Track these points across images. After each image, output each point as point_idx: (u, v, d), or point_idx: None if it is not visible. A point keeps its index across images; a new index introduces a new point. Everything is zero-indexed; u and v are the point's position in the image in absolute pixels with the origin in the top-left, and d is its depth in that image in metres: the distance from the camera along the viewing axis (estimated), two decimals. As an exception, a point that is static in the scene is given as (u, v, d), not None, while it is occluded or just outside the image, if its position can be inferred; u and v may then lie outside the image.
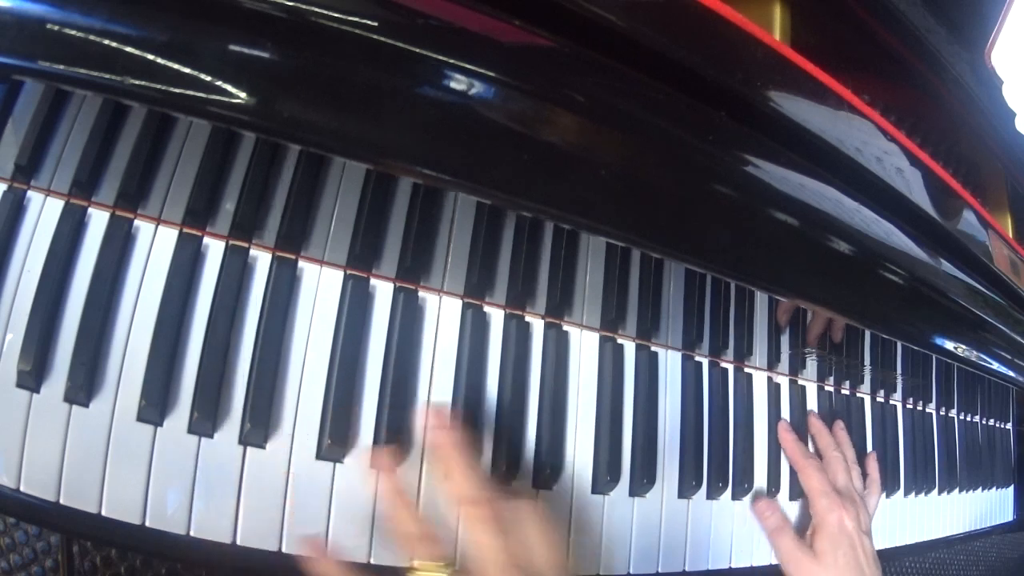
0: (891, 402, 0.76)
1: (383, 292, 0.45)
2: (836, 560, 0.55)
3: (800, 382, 0.65)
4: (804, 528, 0.60)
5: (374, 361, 0.43)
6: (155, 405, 0.37)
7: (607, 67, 0.36)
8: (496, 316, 0.48)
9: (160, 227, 0.40)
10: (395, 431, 0.43)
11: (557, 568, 0.39)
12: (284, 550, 0.39)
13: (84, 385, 0.36)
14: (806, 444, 0.63)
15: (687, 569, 0.53)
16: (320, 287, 0.43)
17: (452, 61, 0.32)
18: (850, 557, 0.56)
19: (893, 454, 0.74)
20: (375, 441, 0.42)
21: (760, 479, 0.59)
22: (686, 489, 0.54)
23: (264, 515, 0.39)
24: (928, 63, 0.51)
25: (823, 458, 0.62)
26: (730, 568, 0.56)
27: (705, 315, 0.58)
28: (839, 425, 0.66)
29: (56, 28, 0.27)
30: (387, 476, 0.40)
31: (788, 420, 0.62)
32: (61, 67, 0.28)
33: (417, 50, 0.31)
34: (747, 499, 0.58)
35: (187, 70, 0.28)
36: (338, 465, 0.41)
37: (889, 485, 0.72)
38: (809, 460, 0.60)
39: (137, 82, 0.28)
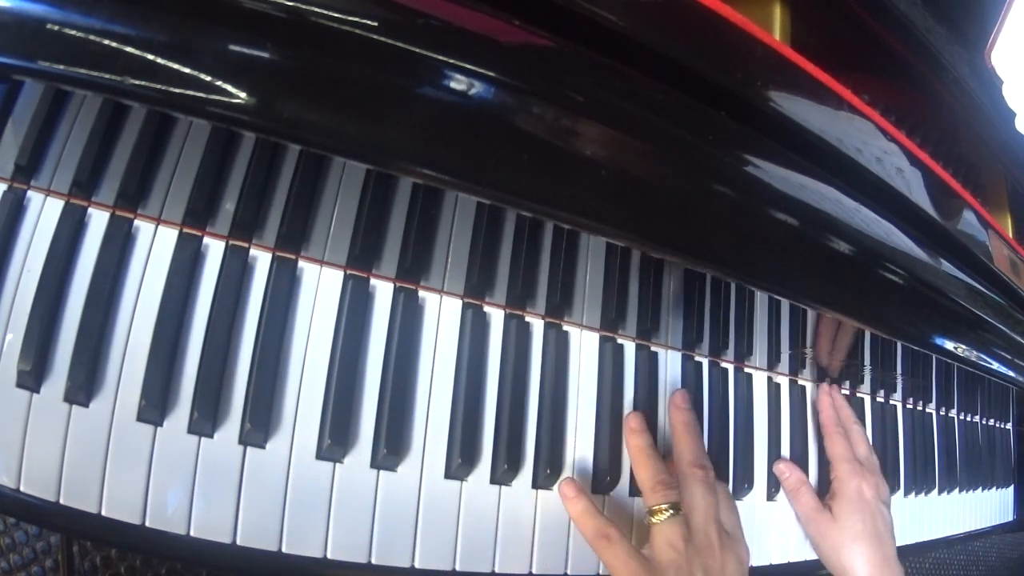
0: (891, 402, 0.76)
1: (383, 292, 0.45)
2: (854, 524, 0.57)
3: (800, 382, 0.65)
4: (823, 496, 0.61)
5: (374, 361, 0.43)
6: (155, 405, 0.37)
7: (607, 67, 0.36)
8: (496, 316, 0.48)
9: (160, 227, 0.40)
10: (396, 430, 0.43)
11: (737, 531, 0.49)
12: (284, 550, 0.39)
13: (84, 385, 0.36)
14: (806, 455, 0.63)
15: (687, 569, 0.53)
16: (320, 287, 0.43)
17: (452, 61, 0.32)
18: (868, 523, 0.57)
19: (893, 454, 0.74)
20: (375, 441, 0.42)
21: (760, 479, 0.59)
22: (686, 489, 0.54)
23: (264, 515, 0.39)
24: (928, 63, 0.50)
25: (847, 429, 0.64)
26: (730, 568, 0.56)
27: (705, 315, 0.58)
28: (833, 389, 0.67)
29: (56, 28, 0.27)
30: (642, 434, 0.50)
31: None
32: (61, 67, 0.28)
33: (417, 50, 0.31)
34: (747, 499, 0.58)
35: (187, 70, 0.28)
36: (338, 465, 0.41)
37: (889, 485, 0.72)
38: (838, 428, 0.63)
39: (137, 82, 0.28)
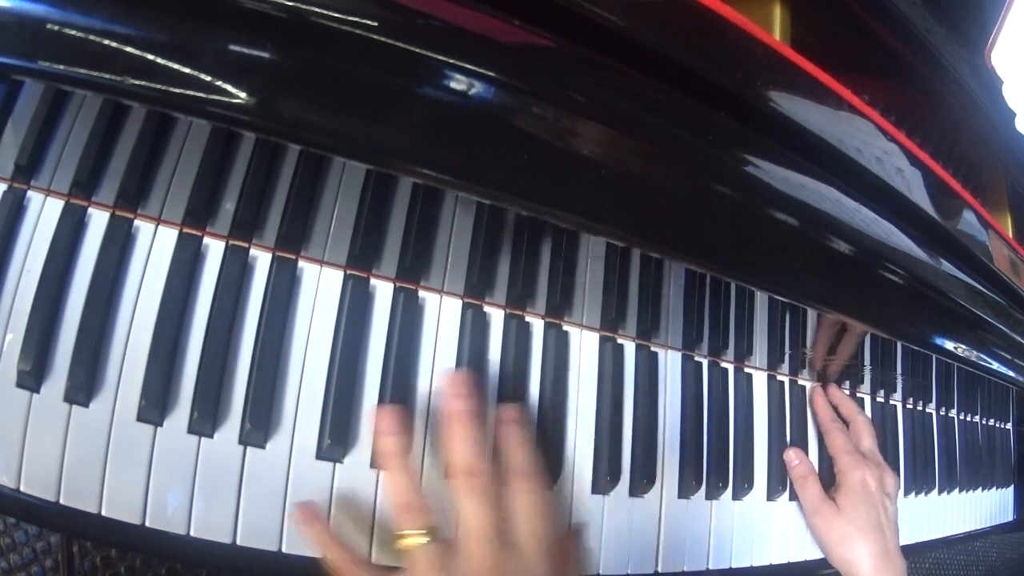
0: (891, 402, 0.76)
1: (383, 292, 0.45)
2: (858, 515, 0.56)
3: (800, 382, 0.65)
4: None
5: (374, 361, 0.43)
6: (155, 405, 0.37)
7: (607, 67, 0.36)
8: (496, 316, 0.48)
9: (160, 227, 0.40)
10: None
11: (541, 550, 0.39)
12: (284, 550, 0.39)
13: (84, 385, 0.36)
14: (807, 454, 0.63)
15: (686, 569, 0.53)
16: (320, 287, 0.43)
17: (452, 61, 0.32)
18: (872, 516, 0.56)
19: (893, 454, 0.74)
20: (375, 441, 0.42)
21: (760, 479, 0.59)
22: (686, 489, 0.54)
23: (264, 515, 0.39)
24: (928, 63, 0.51)
25: (849, 423, 0.63)
26: (730, 568, 0.56)
27: (705, 315, 0.58)
28: (831, 387, 0.67)
29: (56, 28, 0.27)
30: (395, 439, 0.39)
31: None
32: (61, 67, 0.28)
33: (417, 50, 0.31)
34: (747, 499, 0.58)
35: (187, 70, 0.28)
36: (338, 465, 0.41)
37: (889, 485, 0.72)
38: (835, 423, 0.62)
39: (137, 82, 0.28)
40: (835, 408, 0.65)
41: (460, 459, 0.39)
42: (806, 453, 0.63)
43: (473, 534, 0.37)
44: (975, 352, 0.60)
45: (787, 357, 0.64)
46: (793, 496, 0.61)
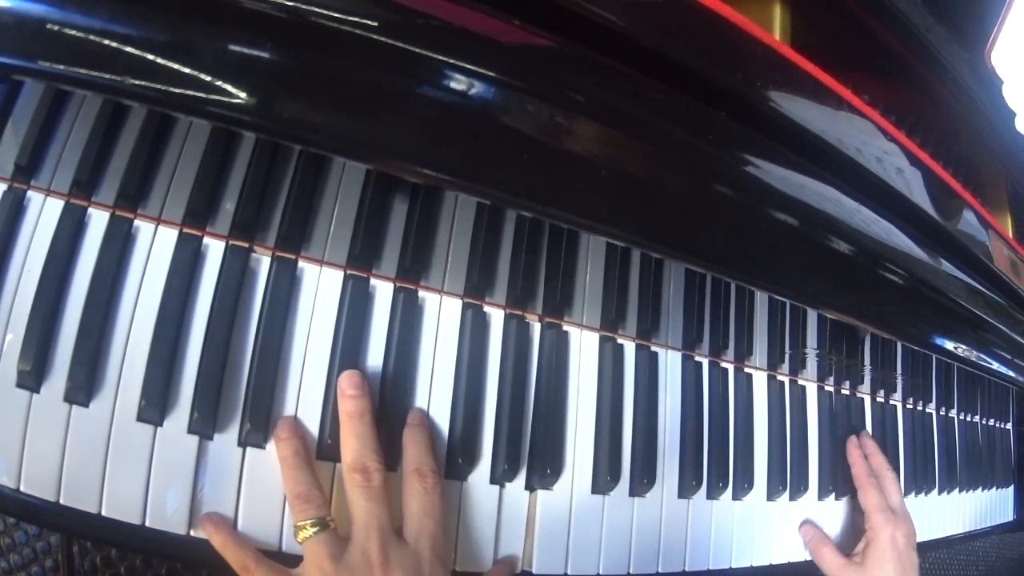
0: (891, 402, 0.76)
1: (383, 292, 0.45)
2: (885, 572, 0.59)
3: (800, 382, 0.65)
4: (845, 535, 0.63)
5: (374, 361, 0.43)
6: (155, 405, 0.37)
7: (607, 67, 0.36)
8: (496, 316, 0.48)
9: (160, 227, 0.40)
10: (396, 430, 0.43)
11: (429, 546, 0.40)
12: (284, 550, 0.39)
13: (84, 385, 0.36)
14: (806, 455, 0.63)
15: (687, 569, 0.53)
16: (320, 287, 0.43)
17: (452, 61, 0.32)
18: (899, 571, 0.59)
19: (893, 454, 0.74)
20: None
21: (760, 479, 0.59)
22: (686, 489, 0.54)
23: (264, 515, 0.39)
24: (928, 63, 0.51)
25: (879, 477, 0.65)
26: (730, 568, 0.56)
27: (705, 315, 0.58)
28: (866, 435, 0.69)
29: (56, 28, 0.27)
30: (288, 442, 0.40)
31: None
32: (61, 67, 0.28)
33: (417, 50, 0.31)
34: (747, 499, 0.58)
35: (187, 70, 0.28)
36: (338, 465, 0.41)
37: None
38: (871, 479, 0.64)
39: (137, 82, 0.28)
40: (867, 457, 0.67)
41: (351, 456, 0.40)
42: (806, 456, 0.63)
43: (361, 528, 0.39)
44: (975, 352, 0.60)
45: (787, 357, 0.64)
46: (793, 496, 0.62)
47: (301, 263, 0.43)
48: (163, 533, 0.37)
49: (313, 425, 0.41)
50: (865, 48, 0.49)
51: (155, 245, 0.40)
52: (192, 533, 0.37)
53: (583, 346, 0.51)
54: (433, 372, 0.45)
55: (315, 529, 0.38)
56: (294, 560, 0.39)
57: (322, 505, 0.39)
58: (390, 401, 0.43)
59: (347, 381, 0.41)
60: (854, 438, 0.67)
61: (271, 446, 0.40)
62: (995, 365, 0.64)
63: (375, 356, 0.44)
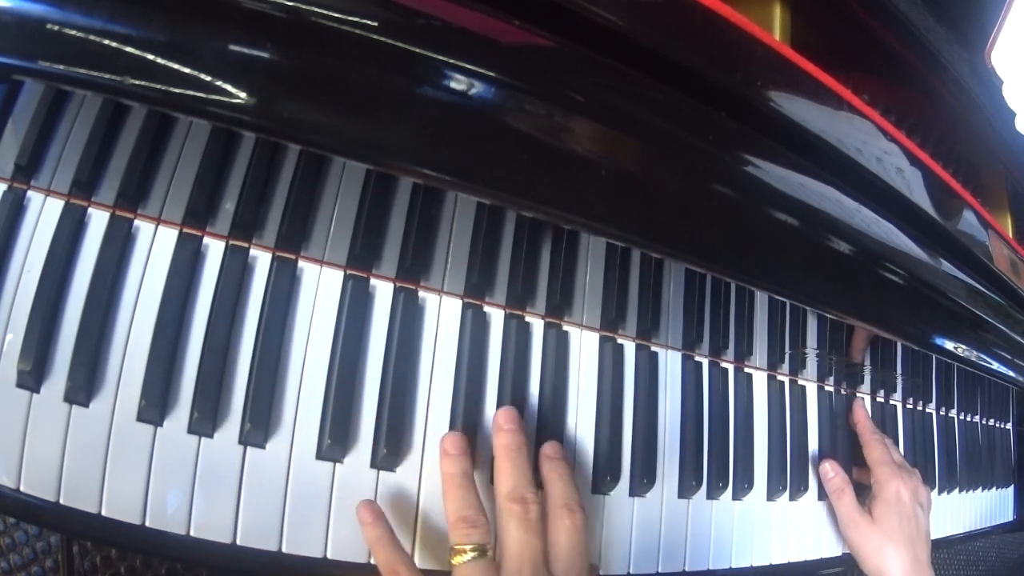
0: (891, 402, 0.76)
1: (383, 292, 0.45)
2: (891, 525, 0.58)
3: (800, 382, 0.65)
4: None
5: (374, 361, 0.43)
6: (155, 405, 0.37)
7: (607, 67, 0.36)
8: (496, 316, 0.48)
9: (160, 227, 0.40)
10: (396, 430, 0.43)
11: (577, 573, 0.41)
12: (284, 550, 0.39)
13: (84, 385, 0.36)
14: (807, 453, 0.63)
15: (687, 569, 0.53)
16: (320, 287, 0.43)
17: (452, 61, 0.32)
18: (905, 527, 0.58)
19: (893, 454, 0.74)
20: (375, 441, 0.42)
21: (760, 479, 0.59)
22: (686, 489, 0.54)
23: (264, 515, 0.39)
24: (928, 63, 0.50)
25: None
26: (730, 568, 0.56)
27: (705, 315, 0.58)
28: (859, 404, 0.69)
29: (56, 28, 0.27)
30: (457, 459, 0.41)
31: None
32: (61, 67, 0.28)
33: (417, 50, 0.31)
34: (747, 499, 0.58)
35: (187, 70, 0.28)
36: (338, 465, 0.41)
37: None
38: (875, 434, 0.64)
39: (137, 82, 0.28)
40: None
41: (509, 488, 0.41)
42: (806, 455, 0.63)
43: (515, 558, 0.39)
44: (975, 352, 0.60)
45: (787, 357, 0.64)
46: (793, 496, 0.62)
47: (301, 263, 0.43)
48: (163, 533, 0.37)
49: (313, 426, 0.41)
50: (865, 48, 0.49)
51: (155, 245, 0.40)
52: (192, 533, 0.37)
53: (583, 346, 0.51)
54: (433, 372, 0.45)
55: (474, 554, 0.39)
56: (295, 560, 0.39)
57: (486, 532, 0.40)
58: (390, 401, 0.43)
59: (504, 416, 0.43)
60: (859, 398, 0.67)
61: (271, 445, 0.40)
62: (995, 365, 0.64)
63: (375, 356, 0.44)
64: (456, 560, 0.39)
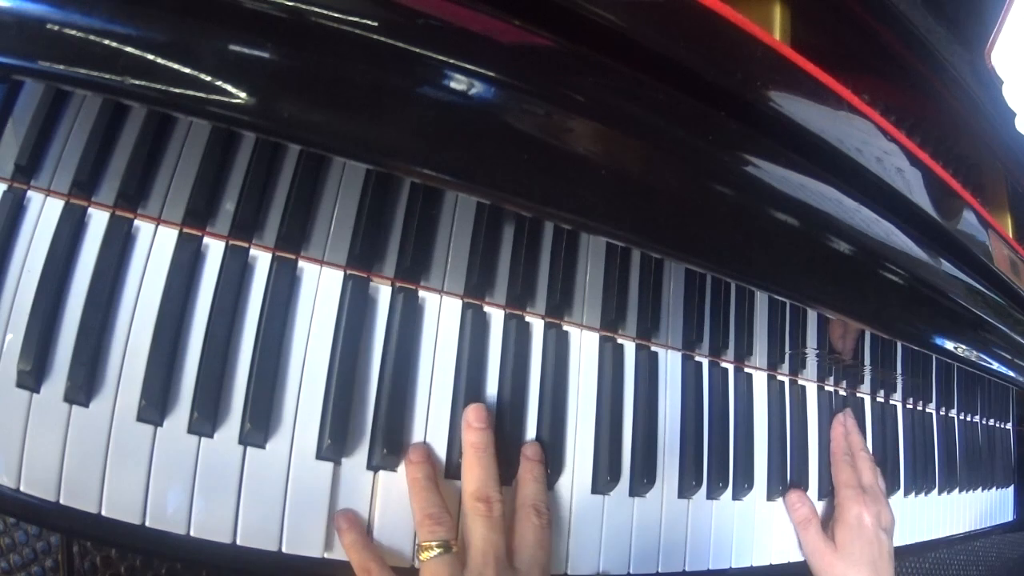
0: (891, 402, 0.76)
1: (383, 292, 0.45)
2: (853, 551, 0.58)
3: (800, 382, 0.65)
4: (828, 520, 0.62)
5: (374, 361, 0.43)
6: (155, 405, 0.37)
7: (607, 67, 0.36)
8: (496, 316, 0.48)
9: (160, 227, 0.40)
10: (395, 430, 0.43)
11: (540, 568, 0.43)
12: (284, 550, 0.39)
13: (84, 385, 0.36)
14: (807, 453, 0.63)
15: (687, 569, 0.53)
16: (320, 287, 0.43)
17: (452, 61, 0.32)
18: (866, 551, 0.58)
19: (893, 454, 0.74)
20: (374, 441, 0.42)
21: (760, 479, 0.59)
22: (686, 489, 0.54)
23: (264, 515, 0.39)
24: (928, 63, 0.50)
25: (854, 455, 0.65)
26: (730, 568, 0.56)
27: (705, 315, 0.58)
28: (847, 413, 0.68)
29: (56, 28, 0.27)
30: (420, 466, 0.43)
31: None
32: (61, 67, 0.28)
33: (417, 50, 0.31)
34: (747, 499, 0.58)
35: (187, 70, 0.28)
36: (338, 465, 0.41)
37: (889, 485, 0.72)
38: (846, 456, 0.64)
39: (137, 82, 0.28)
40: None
41: (474, 486, 0.42)
42: (806, 455, 0.63)
43: (479, 554, 0.41)
44: (975, 352, 0.60)
45: (787, 357, 0.64)
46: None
47: (301, 263, 0.43)
48: (163, 533, 0.37)
49: (313, 425, 0.41)
50: (865, 48, 0.49)
51: (155, 245, 0.40)
52: (192, 533, 0.37)
53: (583, 346, 0.51)
54: (433, 372, 0.45)
55: (440, 550, 0.40)
56: (295, 560, 0.39)
57: (451, 528, 0.41)
58: (390, 401, 0.43)
59: (473, 415, 0.44)
60: (840, 415, 0.66)
61: (271, 445, 0.40)
62: (995, 365, 0.64)
63: (375, 356, 0.44)
64: (423, 556, 0.40)
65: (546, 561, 0.43)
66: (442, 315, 0.46)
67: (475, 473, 0.43)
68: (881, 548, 0.59)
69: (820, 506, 0.64)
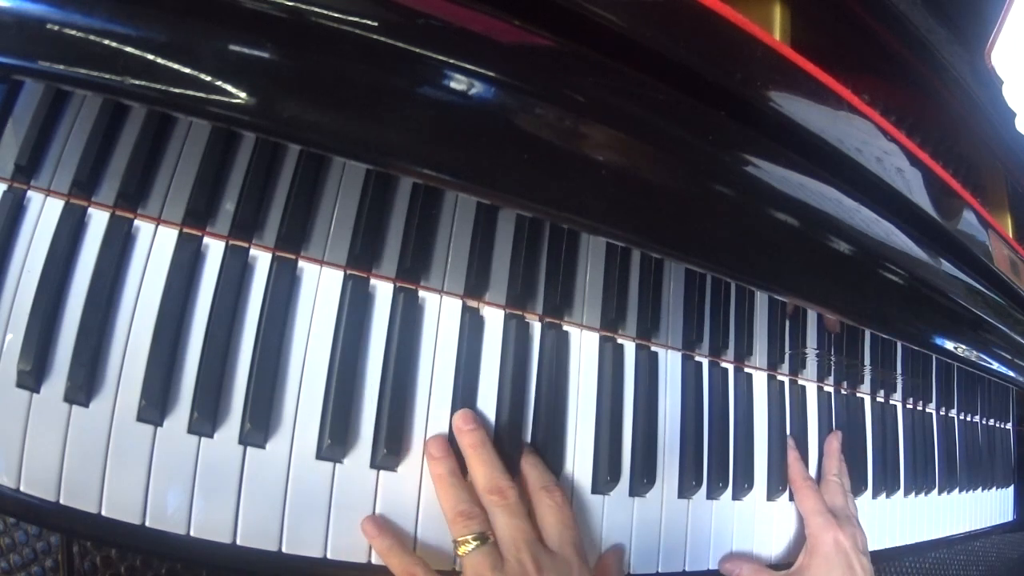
0: (891, 402, 0.76)
1: (383, 292, 0.45)
2: None
3: (800, 382, 0.65)
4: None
5: (374, 361, 0.43)
6: (155, 405, 0.37)
7: (607, 67, 0.36)
8: (496, 316, 0.48)
9: (160, 227, 0.40)
10: (396, 430, 0.43)
11: (578, 554, 0.44)
12: (284, 550, 0.39)
13: (84, 385, 0.36)
14: (806, 456, 0.63)
15: (687, 569, 0.53)
16: (320, 287, 0.43)
17: (452, 61, 0.32)
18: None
19: (893, 454, 0.74)
20: (375, 441, 0.42)
21: (760, 479, 0.59)
22: (686, 489, 0.54)
23: (264, 515, 0.39)
24: (928, 63, 0.51)
25: (822, 480, 0.62)
26: (730, 568, 0.56)
27: (705, 315, 0.58)
28: (837, 437, 0.65)
29: (56, 28, 0.27)
30: (443, 461, 0.43)
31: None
32: (61, 67, 0.28)
33: (417, 50, 0.31)
34: (747, 499, 0.58)
35: (187, 70, 0.28)
36: (338, 465, 0.41)
37: (889, 485, 0.72)
38: (807, 482, 0.60)
39: (137, 82, 0.28)
40: (821, 457, 0.64)
41: (483, 481, 0.43)
42: (806, 452, 0.63)
43: (510, 542, 0.42)
44: (975, 352, 0.60)
45: (787, 357, 0.64)
46: (793, 496, 0.61)
47: (301, 263, 0.43)
48: (163, 533, 0.37)
49: (313, 425, 0.41)
50: (865, 48, 0.49)
51: (155, 245, 0.40)
52: (192, 533, 0.37)
53: (583, 346, 0.51)
54: (433, 372, 0.45)
55: (477, 543, 0.41)
56: (295, 560, 0.39)
57: (483, 521, 0.42)
58: (391, 401, 0.43)
59: (461, 419, 0.45)
60: (791, 440, 0.62)
61: (271, 445, 0.40)
62: (995, 365, 0.64)
63: (375, 356, 0.44)
64: (462, 551, 0.41)
65: (576, 538, 0.44)
66: (442, 315, 0.46)
67: (480, 470, 0.43)
68: (864, 570, 0.56)
69: (794, 506, 0.63)
